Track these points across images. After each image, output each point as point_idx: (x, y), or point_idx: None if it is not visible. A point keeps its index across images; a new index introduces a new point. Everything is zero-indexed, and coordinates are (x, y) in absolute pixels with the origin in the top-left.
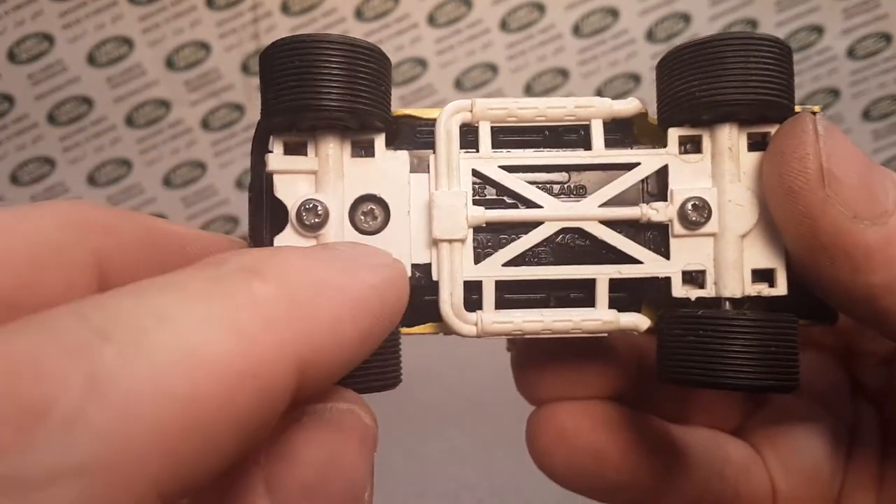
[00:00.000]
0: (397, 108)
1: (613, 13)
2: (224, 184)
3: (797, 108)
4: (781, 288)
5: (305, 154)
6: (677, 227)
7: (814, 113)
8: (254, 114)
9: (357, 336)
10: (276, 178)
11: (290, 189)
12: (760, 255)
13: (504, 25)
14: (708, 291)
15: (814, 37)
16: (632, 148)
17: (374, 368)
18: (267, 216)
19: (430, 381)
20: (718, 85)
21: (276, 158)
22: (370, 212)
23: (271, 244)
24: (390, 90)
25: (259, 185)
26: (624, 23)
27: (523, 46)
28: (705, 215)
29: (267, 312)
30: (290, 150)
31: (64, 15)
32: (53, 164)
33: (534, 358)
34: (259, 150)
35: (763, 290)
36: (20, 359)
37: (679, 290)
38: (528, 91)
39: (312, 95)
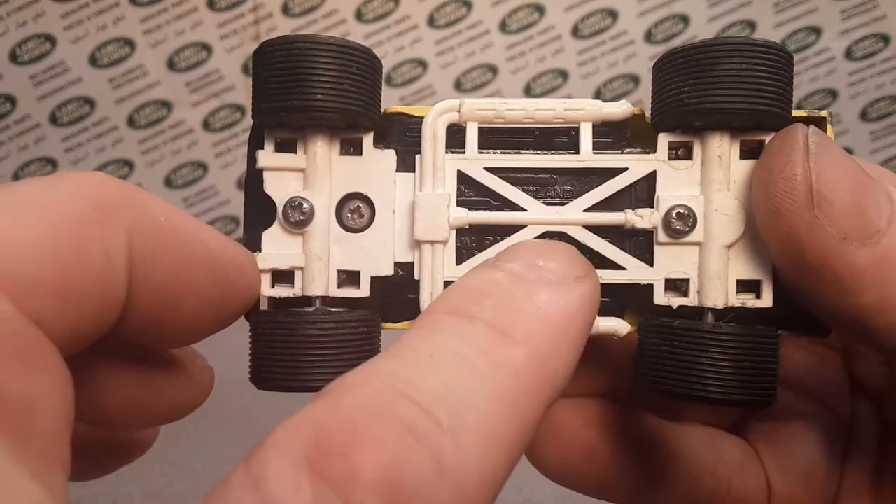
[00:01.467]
0: (392, 107)
1: (612, 14)
2: (225, 184)
3: (803, 113)
4: (767, 300)
5: (295, 151)
6: (661, 235)
7: (822, 118)
8: None
9: (575, 361)
10: (266, 174)
11: (280, 185)
12: (746, 266)
13: (504, 27)
14: (691, 300)
15: (812, 38)
16: (623, 151)
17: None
18: (260, 210)
19: None
20: (708, 92)
21: (267, 155)
22: (357, 209)
23: (260, 238)
24: (380, 90)
25: (253, 179)
26: (623, 24)
27: (523, 48)
28: (690, 224)
29: (528, 383)
30: (281, 147)
31: (66, 16)
32: (55, 165)
33: None
34: (253, 146)
35: (748, 301)
36: (375, 442)
37: (661, 297)
38: (528, 92)
39: (300, 95)
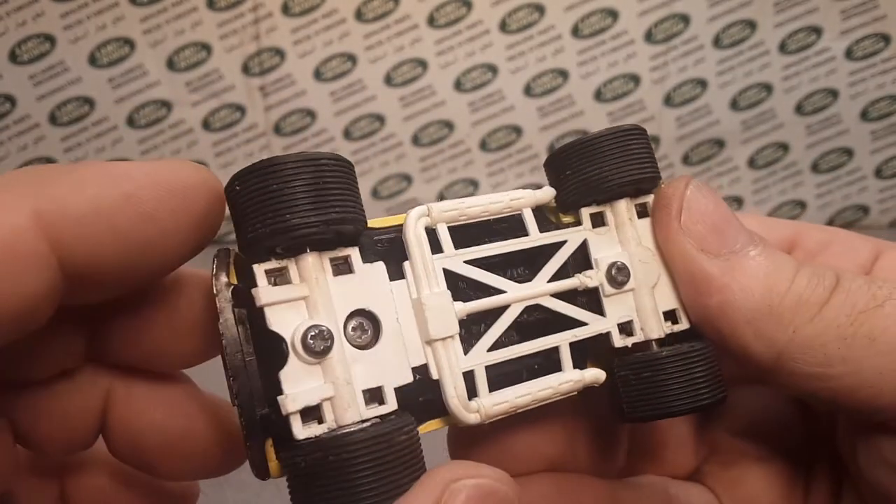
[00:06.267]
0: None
1: (613, 14)
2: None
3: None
4: (684, 323)
5: (290, 282)
6: (608, 289)
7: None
8: (254, 114)
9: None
10: (267, 311)
11: (285, 319)
12: (666, 300)
13: (504, 26)
14: (638, 337)
15: (812, 38)
16: (550, 229)
17: None
18: (269, 351)
19: None
20: (610, 172)
21: (266, 290)
22: (360, 326)
23: (278, 380)
24: (360, 197)
25: (254, 322)
26: (623, 24)
27: (523, 47)
28: (626, 275)
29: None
30: (271, 280)
31: (65, 16)
32: None
33: (468, 438)
34: (244, 289)
35: (674, 327)
36: None
37: (618, 340)
38: (528, 92)
39: (286, 214)
